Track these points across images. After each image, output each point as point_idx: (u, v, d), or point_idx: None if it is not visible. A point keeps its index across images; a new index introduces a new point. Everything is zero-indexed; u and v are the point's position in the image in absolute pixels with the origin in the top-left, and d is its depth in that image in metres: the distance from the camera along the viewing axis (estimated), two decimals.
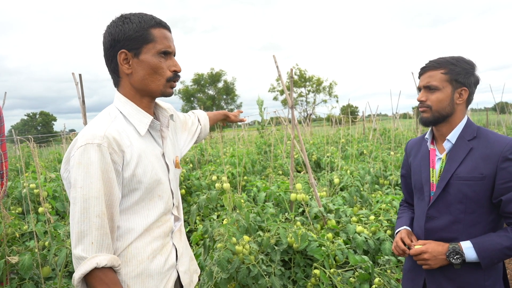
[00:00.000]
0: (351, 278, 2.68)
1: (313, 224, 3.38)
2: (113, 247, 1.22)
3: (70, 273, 2.94)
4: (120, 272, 1.24)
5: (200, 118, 1.87)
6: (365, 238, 3.11)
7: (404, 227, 1.79)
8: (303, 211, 3.73)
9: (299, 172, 7.08)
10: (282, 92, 51.01)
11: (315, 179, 5.75)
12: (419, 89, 1.68)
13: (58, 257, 2.08)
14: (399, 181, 5.16)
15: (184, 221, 4.38)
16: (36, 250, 2.26)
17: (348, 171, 5.10)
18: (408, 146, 1.88)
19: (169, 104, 1.61)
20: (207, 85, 52.77)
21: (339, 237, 3.16)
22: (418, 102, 1.67)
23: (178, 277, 1.44)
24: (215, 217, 3.27)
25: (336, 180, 4.71)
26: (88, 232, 1.15)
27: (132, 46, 1.28)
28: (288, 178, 5.51)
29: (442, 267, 1.57)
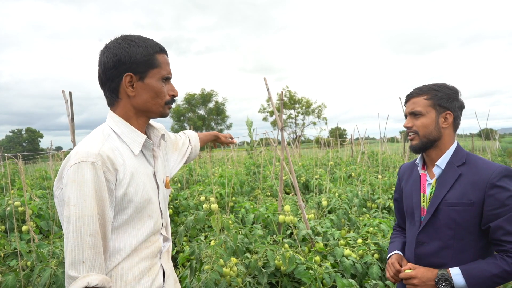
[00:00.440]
0: None
1: (301, 247, 3.37)
2: (105, 267, 1.20)
3: None
4: None
5: (191, 138, 1.88)
6: (353, 261, 3.11)
7: (396, 252, 1.79)
8: (291, 233, 3.72)
9: (288, 193, 7.07)
10: (272, 113, 51.34)
11: (303, 201, 5.75)
12: (405, 116, 1.72)
13: (41, 278, 2.03)
14: (387, 205, 5.20)
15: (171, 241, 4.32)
16: (18, 270, 2.21)
17: (336, 194, 5.11)
18: (401, 170, 1.90)
19: (160, 124, 1.62)
20: (198, 105, 52.92)
21: (327, 260, 3.15)
22: (406, 129, 1.70)
23: None
24: (202, 238, 3.24)
25: (324, 203, 4.71)
26: (81, 251, 1.13)
27: (138, 70, 1.31)
28: (277, 200, 5.50)
29: None
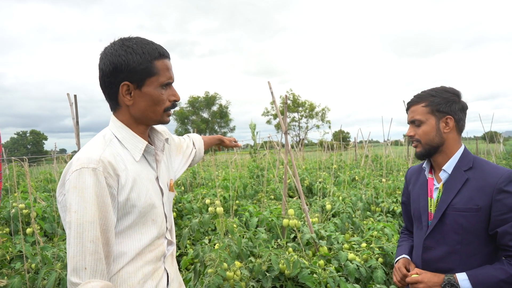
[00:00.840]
0: None
1: (305, 251, 3.36)
2: (108, 272, 1.20)
3: None
4: None
5: (195, 141, 1.88)
6: (357, 265, 3.09)
7: (403, 256, 1.78)
8: (295, 237, 3.71)
9: (291, 197, 7.06)
10: (275, 116, 51.37)
11: (307, 205, 5.74)
12: (408, 123, 1.72)
13: (47, 281, 2.03)
14: (391, 208, 5.18)
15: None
16: (23, 273, 2.21)
17: (340, 198, 5.10)
18: (408, 173, 1.89)
19: (164, 128, 1.62)
20: (202, 108, 53.04)
21: (331, 264, 3.14)
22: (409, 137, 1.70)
23: None
24: (206, 241, 3.24)
25: (328, 206, 4.70)
26: (82, 257, 1.13)
27: (135, 79, 1.28)
28: (280, 203, 5.50)
29: None
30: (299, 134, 54.28)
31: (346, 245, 3.47)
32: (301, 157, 13.80)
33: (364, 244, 3.50)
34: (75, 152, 4.31)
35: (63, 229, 4.03)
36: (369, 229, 3.96)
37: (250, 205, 4.44)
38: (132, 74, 1.27)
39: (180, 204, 5.01)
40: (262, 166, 8.46)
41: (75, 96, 3.73)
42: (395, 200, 5.56)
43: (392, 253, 3.34)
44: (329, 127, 52.85)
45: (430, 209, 1.66)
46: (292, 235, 3.75)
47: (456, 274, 1.51)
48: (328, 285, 2.78)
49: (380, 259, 3.25)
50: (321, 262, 3.06)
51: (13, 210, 3.78)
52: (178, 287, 1.53)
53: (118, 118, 1.35)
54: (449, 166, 1.62)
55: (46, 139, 66.11)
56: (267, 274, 2.74)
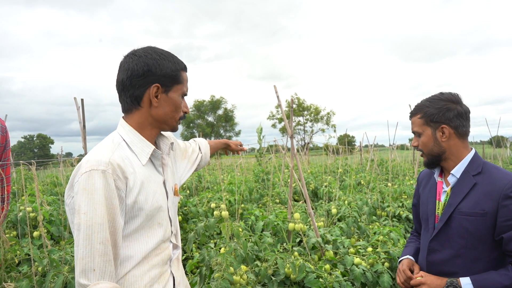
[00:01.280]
0: None
1: (310, 255, 3.35)
2: (116, 275, 1.21)
3: None
4: None
5: (201, 146, 1.89)
6: (363, 270, 3.08)
7: (407, 256, 1.80)
8: (301, 241, 3.70)
9: (297, 201, 7.05)
10: (280, 120, 51.39)
11: (313, 209, 5.73)
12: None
13: (54, 284, 2.04)
14: (397, 213, 5.15)
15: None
16: (31, 277, 2.23)
17: (346, 202, 5.08)
18: (420, 176, 1.91)
19: (169, 133, 1.63)
20: (207, 111, 53.18)
21: (337, 269, 3.12)
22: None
23: None
24: (212, 245, 3.24)
25: (334, 211, 4.69)
26: (91, 258, 1.14)
27: (166, 83, 1.35)
28: (285, 207, 5.49)
29: None
30: (304, 138, 54.23)
31: (352, 250, 3.46)
32: (306, 161, 13.79)
33: (370, 249, 3.49)
34: (81, 155, 4.34)
35: (70, 233, 4.04)
36: (375, 233, 3.94)
37: (256, 209, 4.44)
38: (163, 78, 1.34)
39: (185, 208, 5.02)
40: (268, 170, 8.46)
41: (82, 100, 3.76)
42: (401, 204, 5.53)
43: (398, 257, 3.32)
44: (334, 131, 52.77)
45: (437, 212, 1.67)
46: (298, 239, 3.75)
47: (460, 278, 1.52)
48: None
49: (386, 264, 3.24)
50: (327, 266, 3.05)
51: (21, 214, 3.81)
52: None
53: (129, 121, 1.37)
54: (457, 170, 1.63)
55: (52, 143, 66.55)
56: (273, 278, 2.73)
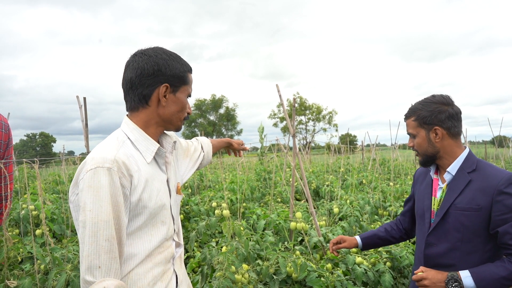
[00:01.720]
0: None
1: (312, 254, 3.36)
2: (120, 272, 1.21)
3: None
4: None
5: (203, 145, 1.89)
6: (365, 269, 3.08)
7: (357, 237, 2.11)
8: (302, 240, 3.70)
9: (298, 200, 7.05)
10: (282, 119, 51.36)
11: (314, 208, 5.72)
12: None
13: (57, 283, 2.05)
14: (399, 212, 5.15)
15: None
16: (34, 274, 2.23)
17: (348, 201, 5.08)
18: (416, 174, 2.01)
19: (172, 132, 1.64)
20: (209, 110, 53.18)
21: (338, 268, 3.13)
22: None
23: None
24: (213, 244, 3.25)
25: (336, 210, 4.69)
26: (97, 256, 1.14)
27: (174, 83, 1.37)
28: (287, 206, 5.49)
29: None
30: (306, 137, 54.22)
31: (353, 249, 3.46)
32: (308, 160, 13.78)
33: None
34: (83, 154, 4.34)
35: (72, 231, 4.06)
36: None
37: (258, 208, 4.44)
38: (173, 78, 1.36)
39: (187, 207, 5.02)
40: (270, 169, 8.47)
41: (84, 98, 3.76)
42: (402, 203, 5.52)
43: (400, 257, 3.33)
44: (336, 130, 52.81)
45: (433, 208, 1.77)
46: (300, 238, 3.75)
47: (459, 271, 1.58)
48: None
49: (388, 263, 3.24)
50: (329, 265, 3.06)
51: (23, 212, 3.82)
52: None
53: (135, 119, 1.38)
54: (453, 168, 1.71)
55: (54, 141, 66.69)
56: (275, 277, 2.74)
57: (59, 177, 8.28)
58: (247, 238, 2.80)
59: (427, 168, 1.90)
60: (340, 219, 4.74)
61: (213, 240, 4.03)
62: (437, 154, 1.73)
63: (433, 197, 1.78)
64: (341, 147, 12.85)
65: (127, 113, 1.42)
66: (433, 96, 1.75)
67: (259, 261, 2.85)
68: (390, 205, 5.35)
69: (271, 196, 5.32)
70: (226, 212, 3.21)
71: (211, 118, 54.29)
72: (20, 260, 2.31)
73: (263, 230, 3.53)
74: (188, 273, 3.20)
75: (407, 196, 5.98)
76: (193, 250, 4.22)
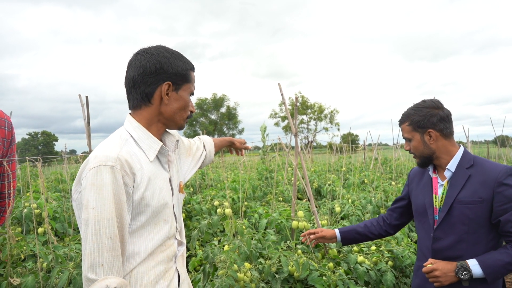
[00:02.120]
0: None
1: (314, 253, 3.36)
2: (123, 270, 1.21)
3: None
4: None
5: (205, 144, 1.89)
6: (367, 268, 3.08)
7: (336, 230, 2.20)
8: None
9: (300, 199, 7.04)
10: (284, 118, 51.32)
11: (316, 207, 5.72)
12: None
13: (59, 280, 2.05)
14: None
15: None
16: (37, 272, 2.24)
17: (350, 200, 5.07)
18: (412, 173, 2.09)
19: (174, 130, 1.64)
20: (210, 109, 53.17)
21: (340, 267, 3.12)
22: None
23: None
24: (216, 242, 3.25)
25: (338, 209, 4.68)
26: (99, 253, 1.15)
27: (176, 81, 1.37)
28: (289, 205, 5.49)
29: (451, 284, 1.71)
30: (307, 136, 54.17)
31: (355, 248, 3.46)
32: (310, 160, 13.77)
33: (373, 247, 3.48)
34: (85, 152, 4.35)
35: (74, 229, 4.06)
36: None
37: (260, 207, 4.44)
38: (175, 76, 1.36)
39: (189, 205, 5.03)
40: (271, 168, 8.46)
41: (86, 97, 3.76)
42: None
43: (402, 256, 3.32)
44: (338, 129, 52.74)
45: (435, 205, 1.84)
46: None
47: (467, 260, 1.69)
48: (337, 287, 2.77)
49: (390, 262, 3.24)
50: (331, 264, 3.05)
51: (25, 210, 3.83)
52: None
53: (137, 117, 1.38)
54: (452, 165, 1.81)
55: (56, 140, 66.80)
56: (277, 275, 2.74)
57: (61, 175, 8.29)
58: (249, 237, 2.80)
59: (422, 168, 1.98)
60: (342, 218, 4.74)
61: (215, 238, 4.04)
62: (433, 155, 1.83)
63: (434, 195, 1.86)
64: (343, 147, 12.84)
65: (130, 111, 1.42)
66: (424, 101, 1.86)
67: (261, 259, 2.86)
68: None
69: (273, 195, 5.33)
70: (228, 211, 3.21)
71: (212, 117, 54.29)
72: (23, 258, 2.31)
73: (265, 229, 3.53)
74: (189, 271, 3.21)
75: None
76: (195, 248, 4.22)
